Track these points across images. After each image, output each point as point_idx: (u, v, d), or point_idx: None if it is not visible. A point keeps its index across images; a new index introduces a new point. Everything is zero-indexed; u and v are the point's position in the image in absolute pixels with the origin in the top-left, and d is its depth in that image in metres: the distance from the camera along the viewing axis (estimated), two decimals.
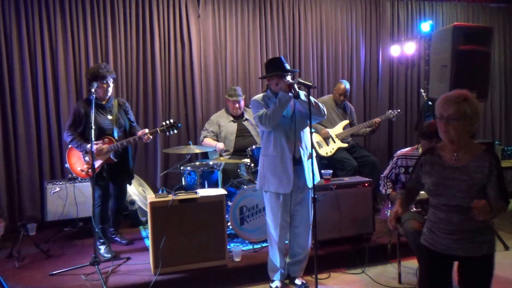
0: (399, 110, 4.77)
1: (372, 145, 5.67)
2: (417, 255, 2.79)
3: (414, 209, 2.99)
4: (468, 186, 1.91)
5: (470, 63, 3.77)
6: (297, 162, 2.91)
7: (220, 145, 4.18)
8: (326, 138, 4.57)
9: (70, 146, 3.54)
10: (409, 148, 3.34)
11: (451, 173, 1.96)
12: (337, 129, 4.65)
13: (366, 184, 3.69)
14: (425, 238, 2.10)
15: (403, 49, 5.44)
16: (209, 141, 4.27)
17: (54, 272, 3.17)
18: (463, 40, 3.74)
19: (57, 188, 4.17)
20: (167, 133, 3.57)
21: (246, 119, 4.44)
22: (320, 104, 2.91)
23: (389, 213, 3.09)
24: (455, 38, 3.73)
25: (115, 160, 3.53)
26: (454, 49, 3.73)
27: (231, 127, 4.35)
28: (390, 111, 4.78)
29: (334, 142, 4.60)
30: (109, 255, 3.44)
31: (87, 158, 3.45)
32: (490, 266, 1.98)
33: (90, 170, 3.36)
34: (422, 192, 2.22)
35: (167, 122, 3.54)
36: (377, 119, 4.65)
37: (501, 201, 1.90)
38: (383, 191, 3.30)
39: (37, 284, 3.03)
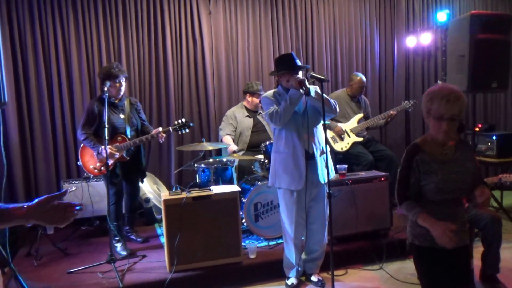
0: (415, 100, 4.65)
1: (389, 139, 5.57)
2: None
3: None
4: (468, 176, 1.94)
5: (489, 52, 3.64)
6: (310, 157, 2.87)
7: (233, 147, 4.13)
8: (341, 134, 4.50)
9: (82, 144, 3.58)
10: None
11: (451, 168, 1.95)
12: (352, 123, 4.57)
13: (383, 179, 3.62)
14: (426, 238, 1.97)
15: (419, 39, 5.32)
16: (227, 140, 4.25)
17: (71, 270, 3.21)
18: (481, 29, 3.61)
19: (73, 187, 4.21)
20: (179, 132, 3.60)
21: (260, 113, 4.41)
22: (331, 101, 2.85)
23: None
24: (472, 27, 3.60)
25: (128, 158, 3.55)
26: (471, 38, 3.61)
27: (247, 122, 4.32)
28: (405, 101, 4.67)
29: (349, 136, 4.52)
30: (125, 253, 3.47)
31: (100, 156, 3.49)
32: (468, 255, 2.05)
33: (103, 168, 3.41)
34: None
35: (179, 121, 3.59)
36: (392, 111, 4.55)
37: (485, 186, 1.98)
38: None
39: (55, 282, 3.07)
